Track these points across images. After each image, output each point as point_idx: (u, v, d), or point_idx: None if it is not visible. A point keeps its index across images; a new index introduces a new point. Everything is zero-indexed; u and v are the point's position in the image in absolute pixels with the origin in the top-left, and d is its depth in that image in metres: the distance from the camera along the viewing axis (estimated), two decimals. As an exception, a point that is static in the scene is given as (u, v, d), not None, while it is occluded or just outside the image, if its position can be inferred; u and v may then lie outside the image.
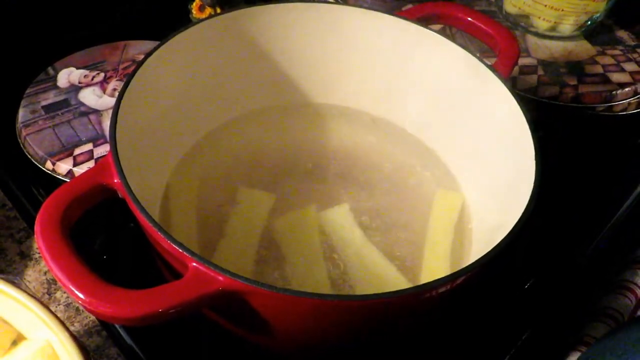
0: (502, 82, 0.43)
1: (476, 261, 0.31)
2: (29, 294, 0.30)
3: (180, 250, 0.29)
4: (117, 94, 0.54)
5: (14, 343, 0.30)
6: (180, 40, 0.44)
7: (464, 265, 0.31)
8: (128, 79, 0.39)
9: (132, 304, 0.27)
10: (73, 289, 0.27)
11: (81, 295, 0.27)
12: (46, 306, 0.30)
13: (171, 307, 0.28)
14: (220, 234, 0.43)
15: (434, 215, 0.46)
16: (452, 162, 0.50)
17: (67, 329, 0.29)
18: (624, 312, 0.53)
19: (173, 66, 0.44)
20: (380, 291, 0.29)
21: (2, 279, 0.30)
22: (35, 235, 0.29)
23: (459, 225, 0.45)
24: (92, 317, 0.43)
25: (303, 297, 0.28)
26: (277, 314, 0.31)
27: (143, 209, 0.31)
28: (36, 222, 0.30)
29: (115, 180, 0.33)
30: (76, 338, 0.29)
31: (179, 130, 0.47)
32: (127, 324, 0.28)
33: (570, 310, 0.51)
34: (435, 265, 0.42)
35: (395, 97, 0.53)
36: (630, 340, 0.40)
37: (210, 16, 0.47)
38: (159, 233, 0.30)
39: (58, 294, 0.44)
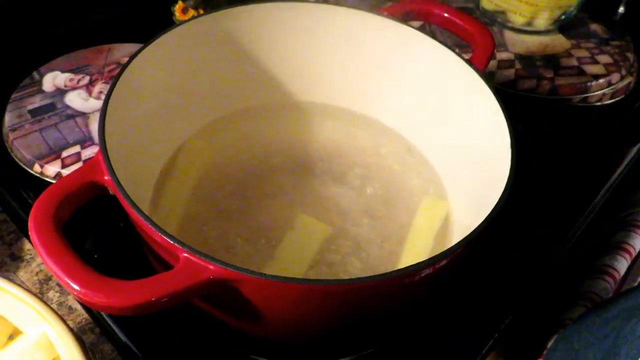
0: (479, 75, 0.44)
1: (454, 245, 0.32)
2: (23, 288, 0.30)
3: (171, 242, 0.30)
4: (103, 96, 0.55)
5: (11, 337, 0.31)
6: (165, 42, 0.45)
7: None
8: (115, 79, 0.40)
9: (125, 294, 0.28)
10: (68, 280, 0.28)
11: (76, 287, 0.28)
12: (41, 299, 0.30)
13: (163, 296, 0.29)
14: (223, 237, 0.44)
15: (416, 221, 0.47)
16: (436, 160, 0.51)
17: (64, 321, 0.30)
18: (604, 295, 0.55)
19: (158, 67, 0.45)
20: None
21: (-3, 275, 0.31)
22: (29, 231, 0.30)
23: (441, 231, 0.46)
24: (85, 315, 0.43)
25: (291, 283, 0.30)
26: (267, 300, 0.32)
27: (133, 203, 0.32)
28: (30, 217, 0.31)
29: (106, 178, 0.34)
30: (72, 330, 0.30)
31: (166, 130, 0.48)
32: (121, 314, 0.29)
33: (552, 294, 0.53)
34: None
35: (378, 94, 0.54)
36: (602, 318, 0.41)
37: (194, 18, 0.48)
38: (150, 226, 0.31)
39: (50, 294, 0.44)
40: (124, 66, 0.41)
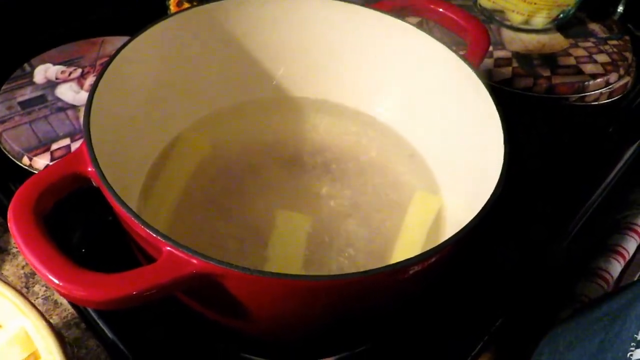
0: (473, 70, 0.43)
1: (445, 241, 0.32)
2: (3, 281, 0.30)
3: (154, 235, 0.30)
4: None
5: (-11, 331, 0.31)
6: (154, 34, 0.44)
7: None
8: (102, 70, 0.39)
9: (106, 287, 0.28)
10: (47, 273, 0.28)
11: (55, 280, 0.28)
12: (21, 293, 0.30)
13: (145, 290, 0.28)
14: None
15: (408, 216, 0.46)
16: (429, 155, 0.50)
17: (43, 315, 0.29)
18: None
19: (147, 59, 0.45)
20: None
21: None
22: (8, 221, 0.29)
23: (434, 227, 0.46)
24: (71, 310, 0.43)
25: (275, 278, 0.29)
26: (251, 296, 0.32)
27: (116, 195, 0.31)
28: (9, 208, 0.30)
29: (89, 169, 0.33)
30: (52, 325, 0.29)
31: (157, 123, 0.47)
32: (102, 308, 0.28)
33: (546, 296, 0.52)
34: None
35: (372, 89, 0.53)
36: (588, 319, 0.40)
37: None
38: (133, 218, 0.30)
39: (36, 288, 0.44)
40: (112, 57, 0.40)
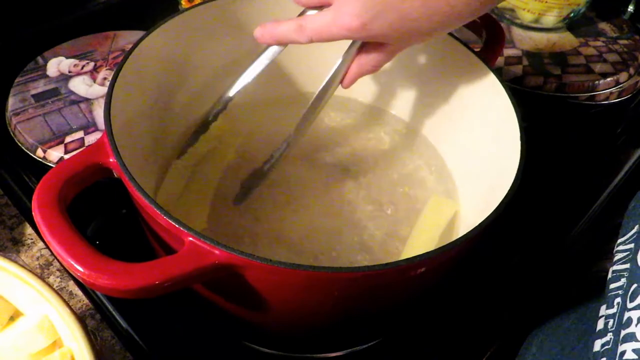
0: (489, 68, 0.44)
1: (457, 239, 0.32)
2: (26, 269, 0.30)
3: (177, 226, 0.30)
4: (107, 82, 0.55)
5: (11, 319, 0.31)
6: (170, 28, 0.44)
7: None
8: (121, 63, 0.39)
9: (130, 276, 0.28)
10: (72, 262, 0.28)
11: (80, 268, 0.28)
12: (43, 280, 0.30)
13: (168, 280, 0.28)
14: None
15: (422, 218, 0.46)
16: (447, 155, 0.50)
17: (65, 302, 0.29)
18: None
19: (163, 53, 0.45)
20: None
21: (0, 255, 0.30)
22: (32, 210, 0.30)
23: (447, 231, 0.46)
24: (86, 301, 0.43)
25: (297, 270, 0.29)
26: (271, 286, 0.32)
27: (139, 186, 0.31)
28: (34, 196, 0.30)
29: (111, 160, 0.34)
30: (74, 311, 0.29)
31: (171, 116, 0.47)
32: (125, 297, 0.28)
33: (547, 297, 0.52)
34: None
35: (385, 85, 0.53)
36: (565, 326, 0.41)
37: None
38: (156, 209, 0.30)
39: (51, 279, 0.44)
40: (129, 51, 0.41)
